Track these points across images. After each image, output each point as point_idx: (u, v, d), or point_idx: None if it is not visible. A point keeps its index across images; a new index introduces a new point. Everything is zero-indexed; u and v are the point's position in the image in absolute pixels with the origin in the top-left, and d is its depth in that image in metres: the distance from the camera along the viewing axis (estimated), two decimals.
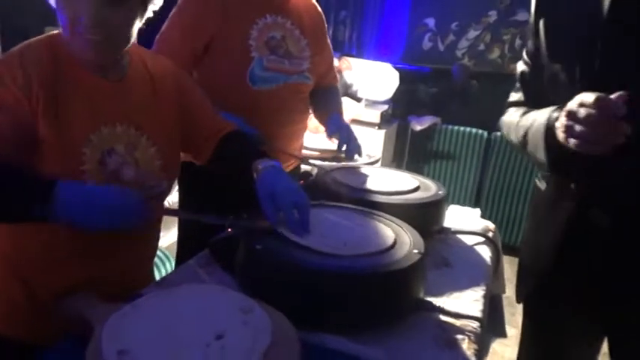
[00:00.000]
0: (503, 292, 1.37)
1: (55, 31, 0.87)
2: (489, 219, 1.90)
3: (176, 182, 1.58)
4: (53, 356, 0.73)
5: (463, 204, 3.50)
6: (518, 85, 1.13)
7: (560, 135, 0.83)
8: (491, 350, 2.17)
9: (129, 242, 0.94)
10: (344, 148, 1.42)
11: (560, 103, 0.87)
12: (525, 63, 1.10)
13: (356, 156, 1.50)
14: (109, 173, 0.87)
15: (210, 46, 1.37)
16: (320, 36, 1.59)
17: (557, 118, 0.85)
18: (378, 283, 0.79)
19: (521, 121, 1.04)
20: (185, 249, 1.54)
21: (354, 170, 1.38)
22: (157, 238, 1.09)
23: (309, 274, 0.78)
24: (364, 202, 1.12)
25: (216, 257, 0.99)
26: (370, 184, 1.23)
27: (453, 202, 1.54)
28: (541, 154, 0.92)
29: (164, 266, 1.71)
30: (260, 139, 1.31)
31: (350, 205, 1.07)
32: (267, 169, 0.95)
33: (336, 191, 1.19)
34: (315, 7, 1.60)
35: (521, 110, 1.08)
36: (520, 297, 1.17)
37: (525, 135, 0.99)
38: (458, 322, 0.87)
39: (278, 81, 1.42)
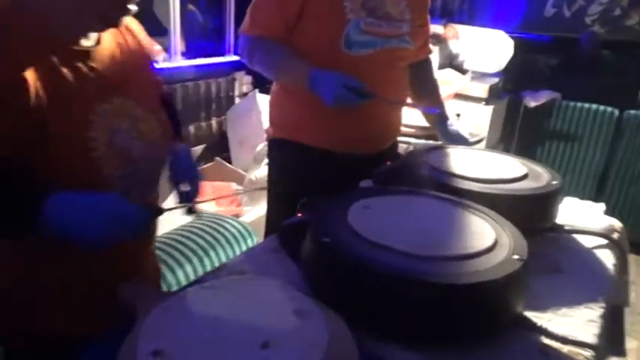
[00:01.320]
0: (627, 305, 1.14)
1: None
2: (614, 214, 1.61)
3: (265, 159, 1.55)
4: (99, 348, 0.69)
5: (582, 195, 3.13)
6: None
7: None
8: None
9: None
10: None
11: None
12: None
13: None
14: (120, 154, 0.80)
15: (304, 9, 1.29)
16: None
17: None
18: (462, 295, 0.64)
19: None
20: (273, 226, 1.51)
21: (451, 152, 1.22)
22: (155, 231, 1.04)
23: (379, 276, 0.66)
24: (459, 190, 0.96)
25: (284, 244, 0.91)
26: (468, 170, 1.06)
27: (570, 193, 1.31)
28: None
29: (245, 242, 1.69)
30: (366, 91, 1.22)
31: (442, 194, 0.93)
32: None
33: (426, 176, 1.04)
34: None
35: None
36: None
37: None
38: (565, 349, 0.70)
39: (376, 45, 1.32)
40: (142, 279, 0.95)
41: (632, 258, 1.19)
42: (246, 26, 1.38)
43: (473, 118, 2.60)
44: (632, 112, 2.94)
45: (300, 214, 0.91)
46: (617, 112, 3.02)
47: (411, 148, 1.88)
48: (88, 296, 0.85)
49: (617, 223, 1.16)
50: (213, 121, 2.94)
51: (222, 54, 3.20)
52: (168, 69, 2.72)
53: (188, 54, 2.98)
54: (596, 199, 3.25)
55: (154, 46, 2.65)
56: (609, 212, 1.27)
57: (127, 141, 0.81)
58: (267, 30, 1.34)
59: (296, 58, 1.32)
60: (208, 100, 2.90)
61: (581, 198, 1.33)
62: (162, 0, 2.72)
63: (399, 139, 1.71)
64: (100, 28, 0.80)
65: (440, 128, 1.48)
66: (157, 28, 2.75)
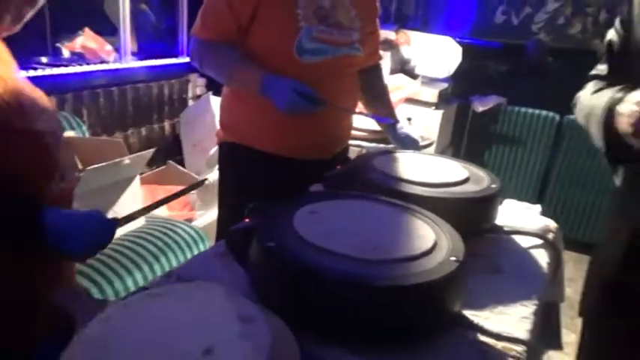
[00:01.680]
0: (562, 300, 1.21)
1: None
2: (555, 211, 1.70)
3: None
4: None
5: (527, 195, 3.24)
6: (604, 55, 0.98)
7: (622, 123, 0.68)
8: (546, 358, 2.00)
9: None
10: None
11: None
12: (616, 31, 0.93)
13: None
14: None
15: (256, 15, 1.30)
16: (371, 7, 1.48)
17: (620, 100, 0.70)
18: (400, 296, 0.67)
19: (592, 98, 0.88)
20: (224, 231, 1.51)
21: (399, 157, 1.25)
22: None
23: (322, 280, 0.67)
24: (404, 194, 0.99)
25: (232, 249, 0.91)
26: (413, 174, 1.10)
27: (515, 193, 1.38)
28: (598, 139, 0.77)
29: (197, 247, 1.67)
30: (318, 98, 1.25)
31: (387, 199, 0.95)
32: None
33: (374, 180, 1.07)
34: None
35: (599, 85, 0.94)
36: (583, 307, 1.02)
37: (588, 114, 0.83)
38: (499, 345, 0.74)
39: (327, 53, 1.33)
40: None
41: (571, 255, 1.26)
42: (197, 29, 1.37)
43: (423, 122, 2.67)
44: (572, 117, 3.08)
45: (247, 219, 0.91)
46: (558, 116, 3.17)
47: (363, 151, 1.92)
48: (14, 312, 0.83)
49: (552, 224, 1.22)
50: (166, 124, 2.89)
51: (176, 55, 3.15)
52: (119, 70, 2.65)
53: (140, 54, 2.91)
54: (538, 201, 3.40)
55: (105, 47, 2.58)
56: (550, 213, 1.34)
57: None
58: (219, 33, 1.34)
59: (248, 62, 1.32)
60: (161, 103, 2.85)
61: (525, 199, 1.40)
62: None
63: (351, 142, 1.74)
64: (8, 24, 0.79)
65: (391, 132, 1.51)
66: (107, 28, 2.68)
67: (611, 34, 0.96)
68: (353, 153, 1.81)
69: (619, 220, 0.95)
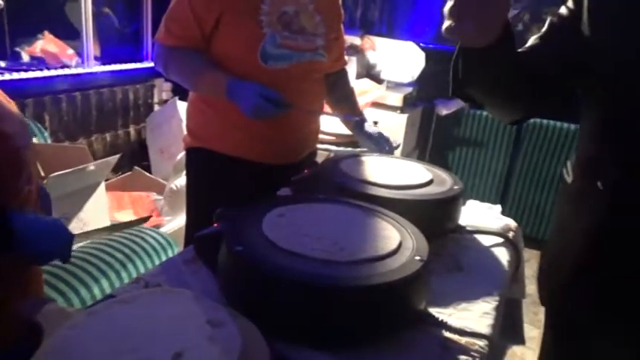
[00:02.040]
0: (523, 296, 1.26)
1: None
2: (517, 211, 1.77)
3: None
4: None
5: (490, 195, 3.33)
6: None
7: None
8: (510, 353, 2.07)
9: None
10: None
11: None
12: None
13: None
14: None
15: (220, 21, 1.30)
16: (335, 13, 1.50)
17: None
18: (367, 296, 0.69)
19: None
20: (192, 236, 1.50)
21: (365, 160, 1.28)
22: None
23: (290, 282, 0.69)
24: (370, 197, 1.02)
25: (200, 254, 0.92)
26: (379, 177, 1.13)
27: (478, 193, 1.42)
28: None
29: (166, 253, 1.66)
30: (284, 102, 1.26)
31: (354, 201, 0.98)
32: None
33: (341, 184, 1.09)
34: None
35: None
36: (542, 300, 1.06)
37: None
38: (462, 340, 0.77)
39: (291, 59, 1.34)
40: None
41: (532, 254, 1.30)
42: (161, 35, 1.36)
43: (389, 126, 2.72)
44: (530, 120, 3.21)
45: (215, 224, 0.92)
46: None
47: (331, 155, 1.94)
48: None
49: (512, 223, 1.27)
50: (132, 129, 2.85)
51: (140, 59, 3.11)
52: (82, 74, 2.60)
53: (103, 59, 2.86)
54: (501, 201, 3.48)
55: (67, 51, 2.53)
56: (512, 212, 1.39)
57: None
58: (183, 40, 1.34)
59: (213, 67, 1.32)
60: (126, 108, 2.81)
61: (488, 200, 1.45)
62: (75, 2, 2.60)
63: (319, 146, 1.76)
64: None
65: (359, 132, 1.51)
66: (69, 32, 2.62)
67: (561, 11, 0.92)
68: (321, 157, 1.83)
69: (568, 216, 0.99)
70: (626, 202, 0.84)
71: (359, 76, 3.09)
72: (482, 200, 1.43)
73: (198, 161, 1.49)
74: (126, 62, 2.95)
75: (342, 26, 1.56)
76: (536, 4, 3.89)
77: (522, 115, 1.01)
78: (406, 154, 2.95)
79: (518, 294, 1.23)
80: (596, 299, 0.93)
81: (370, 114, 2.67)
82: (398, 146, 2.19)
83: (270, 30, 1.30)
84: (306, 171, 1.26)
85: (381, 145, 1.44)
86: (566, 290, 0.98)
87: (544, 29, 0.94)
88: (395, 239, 0.82)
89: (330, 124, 2.01)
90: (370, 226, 0.87)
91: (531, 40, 0.95)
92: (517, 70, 0.87)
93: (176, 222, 2.05)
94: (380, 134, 1.47)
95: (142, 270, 1.57)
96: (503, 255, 1.10)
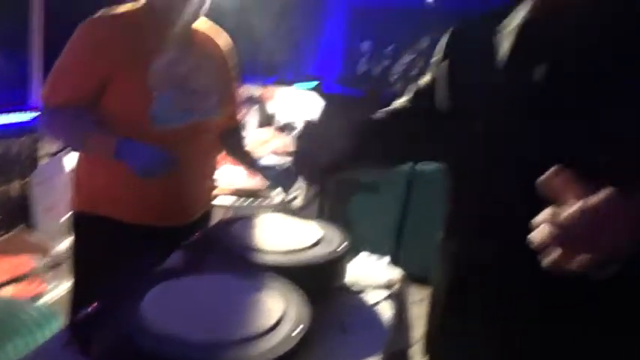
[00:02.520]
0: (409, 346, 1.33)
1: None
2: (413, 260, 1.88)
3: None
4: None
5: (384, 246, 3.38)
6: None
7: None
8: None
9: None
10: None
11: None
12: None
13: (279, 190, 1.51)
14: None
15: (110, 80, 1.29)
16: (229, 71, 1.54)
17: None
18: None
19: None
20: (77, 307, 1.41)
21: (256, 222, 1.29)
22: None
23: None
24: (257, 264, 1.04)
25: (76, 337, 0.87)
26: (268, 241, 1.15)
27: (372, 245, 1.49)
28: None
29: (49, 326, 1.53)
30: (174, 161, 1.26)
31: (241, 271, 0.99)
32: None
33: (229, 250, 1.10)
34: (225, 38, 1.54)
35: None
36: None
37: None
38: None
39: (182, 119, 1.34)
40: None
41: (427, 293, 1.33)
42: (46, 95, 1.32)
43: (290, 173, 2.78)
44: (420, 166, 3.26)
45: (95, 304, 0.89)
46: (408, 166, 3.33)
47: (229, 212, 1.94)
48: None
49: (397, 275, 1.34)
50: (14, 185, 2.64)
51: (26, 108, 2.92)
52: None
53: None
54: (396, 248, 3.54)
55: None
56: (407, 259, 1.47)
57: None
58: (69, 100, 1.30)
59: (100, 127, 1.29)
60: (7, 162, 2.61)
61: (383, 248, 1.51)
62: None
63: (217, 203, 1.76)
64: None
65: (266, 171, 1.54)
66: None
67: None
68: (218, 213, 1.83)
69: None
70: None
71: (260, 126, 3.15)
72: (377, 246, 1.50)
73: (87, 227, 1.43)
74: (9, 112, 2.76)
75: (235, 86, 1.60)
76: (433, 50, 4.23)
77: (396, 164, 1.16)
78: (307, 202, 3.01)
79: (404, 344, 1.29)
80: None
81: (271, 161, 2.71)
82: (299, 194, 2.25)
83: (161, 90, 1.30)
84: (197, 234, 1.26)
85: (290, 180, 1.45)
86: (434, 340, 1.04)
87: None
88: (276, 311, 0.84)
89: (229, 178, 2.03)
90: (254, 299, 0.89)
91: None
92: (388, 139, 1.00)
93: (61, 288, 1.92)
94: (288, 169, 1.49)
95: (22, 349, 1.44)
96: (387, 309, 1.16)
